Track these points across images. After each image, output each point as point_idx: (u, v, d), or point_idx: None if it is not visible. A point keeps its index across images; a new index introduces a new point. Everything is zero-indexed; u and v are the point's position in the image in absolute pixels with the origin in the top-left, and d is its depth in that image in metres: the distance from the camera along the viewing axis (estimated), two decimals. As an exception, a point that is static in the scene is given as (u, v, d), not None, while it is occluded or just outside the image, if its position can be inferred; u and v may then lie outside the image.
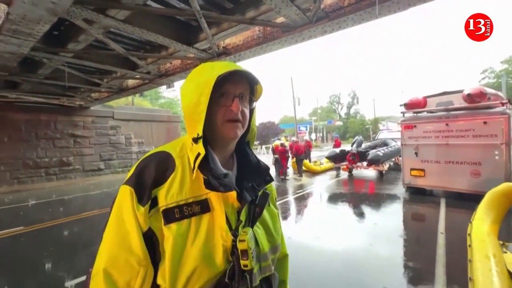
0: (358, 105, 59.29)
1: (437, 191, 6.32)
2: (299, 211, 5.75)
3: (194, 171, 0.64)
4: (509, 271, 1.95)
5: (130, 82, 8.75)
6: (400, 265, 3.03)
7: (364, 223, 4.72)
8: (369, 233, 4.10)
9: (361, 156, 9.34)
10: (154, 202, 0.61)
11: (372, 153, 8.98)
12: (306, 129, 37.83)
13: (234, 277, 0.61)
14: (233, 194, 0.64)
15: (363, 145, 10.71)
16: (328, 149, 12.61)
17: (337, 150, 10.23)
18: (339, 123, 50.04)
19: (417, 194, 6.29)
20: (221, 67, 0.66)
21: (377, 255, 3.29)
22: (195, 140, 0.65)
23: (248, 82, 0.72)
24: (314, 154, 16.00)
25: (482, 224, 2.62)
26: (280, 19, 4.57)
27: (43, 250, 3.94)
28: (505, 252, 2.27)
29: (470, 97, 5.34)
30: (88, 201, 7.48)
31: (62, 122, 11.53)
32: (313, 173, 10.89)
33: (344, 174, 10.23)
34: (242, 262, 0.61)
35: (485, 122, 5.16)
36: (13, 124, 10.24)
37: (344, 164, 9.86)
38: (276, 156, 10.15)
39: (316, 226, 4.61)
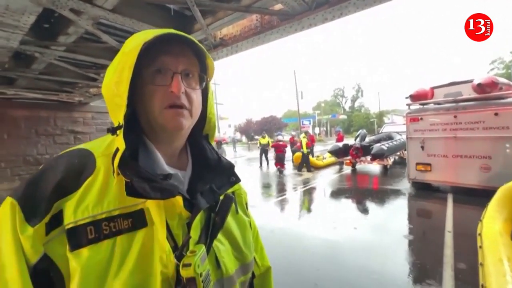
0: (362, 98, 58.82)
1: (444, 187, 6.07)
2: (300, 207, 5.57)
3: (115, 174, 0.46)
4: (525, 277, 1.75)
5: (128, 77, 8.59)
6: (406, 268, 2.84)
7: (367, 220, 4.53)
8: (373, 231, 3.91)
9: (364, 150, 9.07)
10: (58, 220, 0.43)
11: (376, 147, 8.71)
12: (310, 123, 37.47)
13: None
14: (178, 200, 0.47)
15: (367, 139, 10.43)
16: (332, 143, 12.35)
17: (340, 144, 9.94)
18: (343, 116, 49.42)
19: (423, 189, 6.05)
20: (153, 32, 0.47)
21: (382, 255, 3.10)
22: (113, 131, 0.47)
23: (196, 56, 0.53)
24: (318, 148, 15.77)
25: (493, 223, 2.41)
26: (277, 6, 4.30)
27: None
28: (520, 254, 2.07)
29: (480, 87, 5.05)
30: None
31: (61, 118, 11.48)
32: (316, 167, 10.70)
33: (347, 169, 10.00)
34: None
35: (496, 114, 4.88)
36: (13, 121, 10.23)
37: (347, 158, 9.61)
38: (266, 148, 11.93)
39: (316, 222, 4.44)
